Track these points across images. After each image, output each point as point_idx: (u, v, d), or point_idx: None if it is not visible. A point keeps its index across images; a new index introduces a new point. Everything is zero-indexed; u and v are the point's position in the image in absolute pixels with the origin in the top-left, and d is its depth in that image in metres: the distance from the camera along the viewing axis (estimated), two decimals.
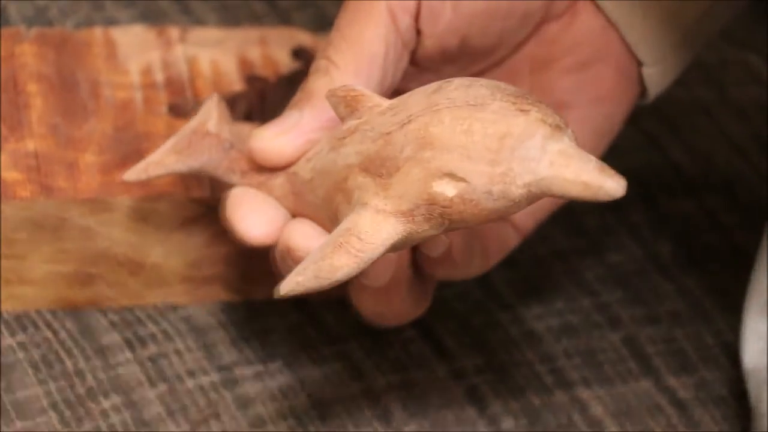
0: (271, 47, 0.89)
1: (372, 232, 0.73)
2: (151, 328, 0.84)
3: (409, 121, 0.73)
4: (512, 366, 0.86)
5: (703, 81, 0.96)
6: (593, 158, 0.71)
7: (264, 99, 0.87)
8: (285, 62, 0.89)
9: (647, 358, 0.87)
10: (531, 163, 0.71)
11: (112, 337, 0.84)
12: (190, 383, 0.83)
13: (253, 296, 0.86)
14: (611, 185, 0.71)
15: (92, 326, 0.84)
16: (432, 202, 0.72)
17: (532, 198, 0.72)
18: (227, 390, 0.82)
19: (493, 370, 0.86)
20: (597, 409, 0.85)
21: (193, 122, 0.81)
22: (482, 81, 0.74)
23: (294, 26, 0.93)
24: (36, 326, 0.84)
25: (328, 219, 0.77)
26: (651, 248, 0.90)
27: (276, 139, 0.78)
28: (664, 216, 0.91)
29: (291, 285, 0.73)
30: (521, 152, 0.71)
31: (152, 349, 0.84)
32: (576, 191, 0.70)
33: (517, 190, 0.71)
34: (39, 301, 0.84)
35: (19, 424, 0.80)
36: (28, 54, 0.86)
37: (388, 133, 0.74)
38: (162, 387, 0.82)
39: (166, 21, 0.93)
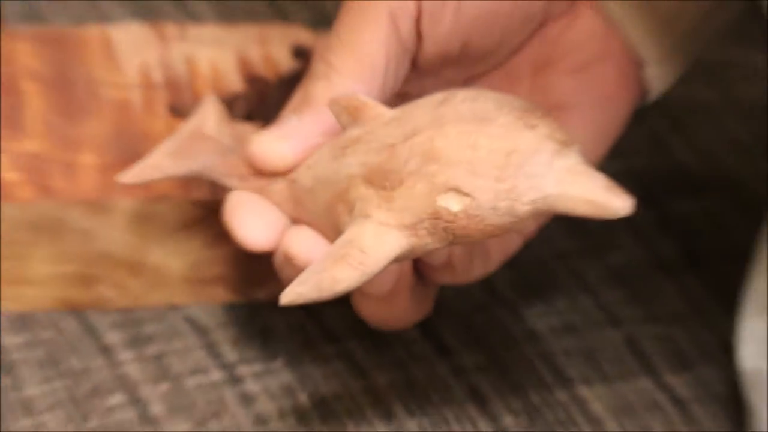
0: (271, 46, 0.89)
1: (374, 246, 0.73)
2: (154, 327, 0.84)
3: (414, 134, 0.73)
4: (512, 364, 0.86)
5: (706, 80, 0.96)
6: (601, 176, 0.71)
7: (264, 99, 0.87)
8: (285, 61, 0.88)
9: (647, 357, 0.87)
10: (537, 179, 0.71)
11: (115, 337, 0.84)
12: (192, 381, 0.82)
13: (254, 296, 0.86)
14: (618, 204, 0.71)
15: (95, 326, 0.84)
16: (436, 216, 0.72)
17: (537, 214, 0.72)
18: (230, 388, 0.82)
19: (494, 368, 0.85)
20: (597, 407, 0.84)
21: (190, 124, 0.81)
22: (489, 94, 0.74)
23: (294, 24, 0.93)
24: (40, 325, 0.84)
25: (329, 228, 0.77)
26: (653, 248, 0.91)
27: (275, 144, 0.78)
28: (666, 216, 0.91)
29: (292, 296, 0.72)
30: (528, 168, 0.71)
31: (155, 348, 0.83)
32: (582, 209, 0.70)
33: (522, 207, 0.71)
34: (41, 301, 0.84)
35: (25, 422, 0.80)
36: (24, 53, 0.86)
37: (393, 146, 0.74)
38: (165, 385, 0.82)
39: (163, 18, 0.93)
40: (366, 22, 0.78)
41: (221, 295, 0.85)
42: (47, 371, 0.82)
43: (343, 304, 0.83)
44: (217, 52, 0.88)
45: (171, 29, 0.89)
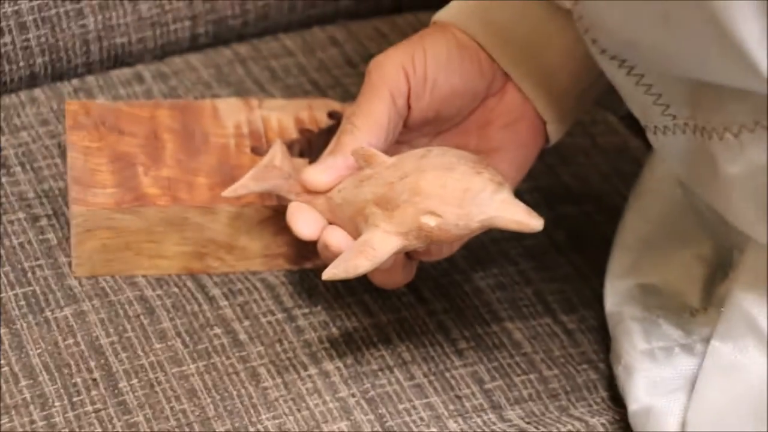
0: (315, 111, 0.87)
1: (381, 245, 0.75)
2: (240, 285, 0.84)
3: (406, 176, 0.75)
4: (465, 308, 0.85)
5: (582, 132, 0.94)
6: (523, 205, 0.74)
7: (310, 143, 0.86)
8: (324, 120, 0.87)
9: (549, 304, 0.86)
10: (483, 207, 0.74)
11: (216, 291, 0.83)
12: (264, 319, 0.82)
13: (304, 266, 0.85)
14: (534, 223, 0.73)
15: (204, 284, 0.83)
16: (420, 228, 0.75)
17: (484, 228, 0.74)
18: (288, 323, 0.82)
19: (453, 311, 0.84)
20: (518, 335, 0.84)
21: (265, 159, 0.80)
22: (452, 151, 0.76)
23: (329, 98, 0.92)
24: (170, 284, 0.83)
25: (352, 230, 0.78)
26: (551, 236, 0.89)
27: (319, 174, 0.78)
28: (559, 216, 0.89)
29: (329, 274, 0.75)
30: (477, 200, 0.74)
31: (241, 298, 0.83)
32: (512, 227, 0.74)
33: (474, 224, 0.74)
34: (171, 269, 0.83)
35: (157, 346, 0.80)
36: (164, 116, 0.85)
37: (392, 183, 0.76)
38: (247, 322, 0.82)
39: (250, 95, 0.93)
40: (376, 98, 0.77)
41: (283, 265, 0.84)
42: (174, 313, 0.82)
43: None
44: (281, 115, 0.87)
45: (254, 101, 0.87)
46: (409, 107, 0.79)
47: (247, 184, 0.80)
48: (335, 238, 0.78)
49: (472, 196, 0.74)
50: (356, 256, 0.75)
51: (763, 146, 0.67)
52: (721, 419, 0.73)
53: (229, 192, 0.80)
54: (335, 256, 0.77)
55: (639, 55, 0.70)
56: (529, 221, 0.73)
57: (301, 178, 0.79)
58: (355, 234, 0.77)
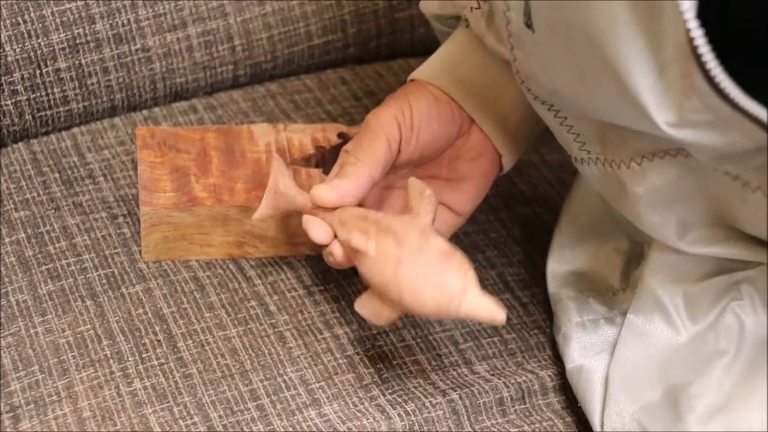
0: (328, 132, 0.85)
1: (369, 314, 0.72)
2: (271, 267, 0.82)
3: (388, 282, 0.70)
4: None
5: (533, 151, 0.92)
6: (490, 301, 0.68)
7: (324, 157, 0.84)
8: (335, 139, 0.85)
9: (508, 283, 0.84)
10: (458, 313, 0.68)
11: (252, 272, 0.82)
12: (289, 294, 0.81)
13: (320, 252, 0.79)
14: (499, 316, 0.68)
15: (243, 266, 0.82)
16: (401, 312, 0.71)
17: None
18: (307, 298, 0.81)
19: None
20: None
21: (270, 184, 0.75)
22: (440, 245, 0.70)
23: (339, 123, 0.91)
24: (216, 267, 0.82)
25: (348, 250, 0.73)
26: (510, 230, 0.87)
27: (326, 192, 0.74)
28: (516, 215, 0.89)
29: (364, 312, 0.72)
30: (451, 310, 0.68)
31: (271, 278, 0.82)
32: (483, 320, 0.69)
33: (454, 314, 0.69)
34: (216, 255, 0.82)
35: (207, 315, 0.79)
36: (211, 137, 0.85)
37: (380, 277, 0.70)
38: (275, 297, 0.81)
39: (278, 121, 0.92)
40: (375, 140, 0.74)
41: (305, 251, 0.83)
42: (219, 289, 0.81)
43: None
44: (302, 136, 0.85)
45: (280, 126, 0.86)
46: (399, 150, 0.76)
47: (264, 212, 0.76)
48: (338, 251, 0.75)
49: (446, 307, 0.68)
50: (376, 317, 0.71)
51: (660, 170, 0.67)
52: (634, 374, 0.73)
53: (255, 217, 0.77)
54: (336, 262, 0.75)
55: (561, 102, 0.69)
56: (495, 315, 0.68)
57: (312, 194, 0.74)
58: (347, 249, 0.73)
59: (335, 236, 0.74)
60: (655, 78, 0.59)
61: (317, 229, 0.75)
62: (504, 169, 0.80)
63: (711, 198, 0.68)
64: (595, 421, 0.73)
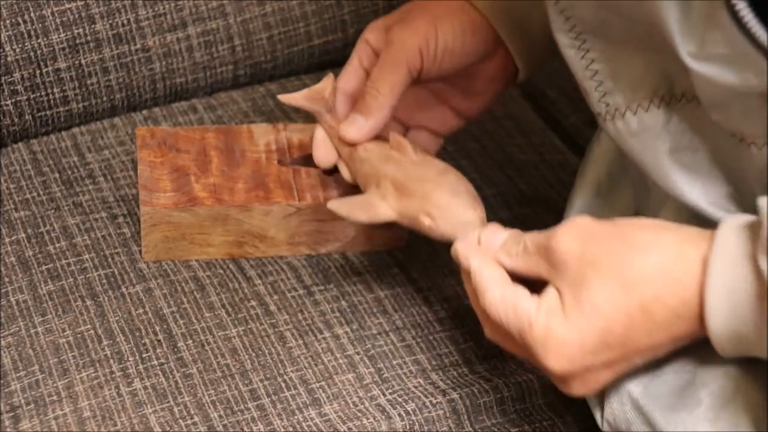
0: None
1: (383, 213, 0.74)
2: (270, 267, 0.82)
3: (425, 181, 0.73)
4: (445, 286, 0.82)
5: (533, 152, 0.92)
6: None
7: None
8: None
9: None
10: (464, 233, 0.70)
11: (252, 272, 0.82)
12: (289, 294, 0.81)
13: (320, 252, 0.83)
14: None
15: (243, 266, 0.82)
16: (416, 219, 0.73)
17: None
18: (307, 298, 0.81)
19: (436, 288, 0.82)
20: None
21: (319, 85, 0.78)
22: (463, 181, 0.73)
23: None
24: (216, 266, 0.82)
25: (361, 182, 0.76)
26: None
27: (348, 128, 0.76)
28: (516, 214, 0.87)
29: (335, 206, 0.74)
30: (464, 227, 0.71)
31: (271, 278, 0.82)
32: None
33: (452, 239, 0.71)
34: (216, 255, 0.82)
35: (207, 315, 0.79)
36: (211, 137, 0.84)
37: (412, 179, 0.73)
38: (275, 297, 0.81)
39: (277, 121, 0.92)
40: (396, 69, 0.74)
41: (304, 251, 0.83)
42: (219, 289, 0.81)
43: (363, 258, 0.83)
44: (301, 135, 0.84)
45: (280, 126, 0.85)
46: (419, 76, 0.76)
47: (297, 99, 0.79)
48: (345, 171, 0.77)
49: (462, 223, 0.71)
50: (361, 209, 0.74)
51: (672, 117, 0.65)
52: None
53: (283, 97, 0.79)
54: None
55: (592, 25, 0.66)
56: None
57: (340, 131, 0.77)
58: (361, 183, 0.76)
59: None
60: (681, 8, 0.59)
61: (324, 150, 0.78)
62: (518, 80, 0.79)
63: (717, 152, 0.65)
64: (594, 407, 0.71)
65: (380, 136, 0.77)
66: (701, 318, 0.60)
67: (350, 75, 0.78)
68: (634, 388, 0.66)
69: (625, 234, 0.62)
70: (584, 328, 0.61)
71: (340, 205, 0.74)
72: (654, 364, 0.65)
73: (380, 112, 0.75)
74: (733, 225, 0.60)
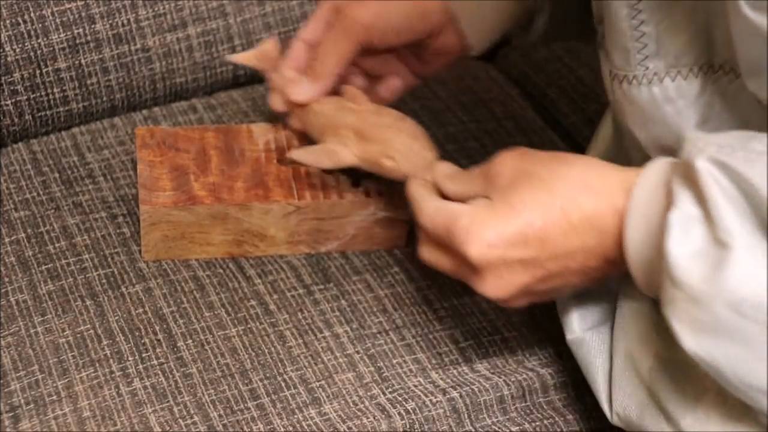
0: None
1: (345, 157, 0.78)
2: (270, 266, 0.82)
3: (386, 126, 0.77)
4: (445, 285, 0.82)
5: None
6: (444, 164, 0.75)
7: None
8: None
9: None
10: (424, 171, 0.75)
11: (252, 271, 0.82)
12: (289, 293, 0.81)
13: (320, 250, 0.83)
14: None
15: (243, 266, 0.82)
16: (378, 163, 0.77)
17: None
18: (307, 297, 0.81)
19: (436, 287, 0.82)
20: (485, 305, 0.81)
21: (265, 47, 0.83)
22: (419, 128, 0.78)
23: None
24: (215, 266, 0.82)
25: (314, 132, 0.80)
26: None
27: (298, 93, 0.80)
28: None
29: (298, 155, 0.79)
30: (424, 165, 0.75)
31: (271, 277, 0.82)
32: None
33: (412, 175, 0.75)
34: (216, 254, 0.82)
35: (207, 314, 0.79)
36: (211, 137, 0.84)
37: (373, 125, 0.77)
38: (275, 296, 0.81)
39: (277, 121, 0.89)
40: (346, 41, 0.78)
41: (304, 250, 0.83)
42: (219, 288, 0.80)
43: (359, 259, 0.83)
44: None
45: (279, 125, 0.85)
46: (368, 50, 0.80)
47: (248, 57, 0.84)
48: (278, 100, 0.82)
49: (421, 163, 0.75)
50: (325, 156, 0.78)
51: (707, 87, 0.65)
52: (638, 347, 0.70)
53: (233, 57, 0.85)
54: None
55: None
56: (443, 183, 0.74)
57: (286, 90, 0.81)
58: (315, 134, 0.80)
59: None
60: None
61: (276, 100, 0.82)
62: (471, 53, 0.82)
63: (744, 127, 0.65)
64: (602, 399, 0.70)
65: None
66: (616, 240, 0.64)
67: (313, 27, 0.82)
68: (645, 375, 0.67)
69: (559, 155, 0.67)
70: (507, 217, 0.65)
71: (304, 154, 0.78)
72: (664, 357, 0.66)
73: (326, 78, 0.79)
74: (663, 160, 0.64)
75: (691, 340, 0.58)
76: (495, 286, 0.66)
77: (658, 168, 0.64)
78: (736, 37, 0.61)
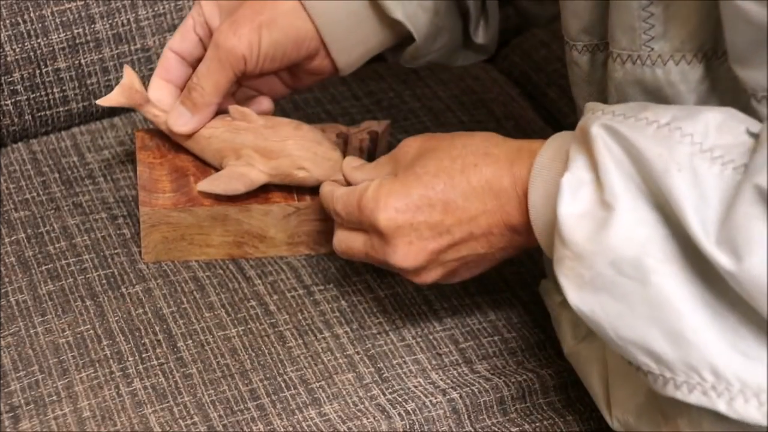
0: (327, 132, 0.84)
1: (256, 178, 0.78)
2: (270, 267, 0.82)
3: (287, 139, 0.78)
4: (444, 286, 0.79)
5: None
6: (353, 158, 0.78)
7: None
8: (332, 139, 0.84)
9: (508, 281, 0.83)
10: (337, 174, 0.78)
11: (252, 272, 0.82)
12: (289, 294, 0.81)
13: (320, 252, 0.83)
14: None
15: (243, 267, 0.82)
16: (290, 176, 0.79)
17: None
18: (307, 297, 0.81)
19: (436, 287, 0.81)
20: (485, 306, 0.81)
21: (126, 81, 0.80)
22: (316, 130, 0.80)
23: (338, 123, 0.89)
24: (215, 267, 0.82)
25: (210, 156, 0.80)
26: None
27: (179, 124, 0.80)
28: None
29: (206, 187, 0.78)
30: (335, 168, 0.78)
31: (271, 278, 0.81)
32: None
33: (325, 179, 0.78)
34: (216, 255, 0.82)
35: (207, 315, 0.79)
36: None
37: (275, 141, 0.78)
38: (275, 296, 0.80)
39: None
40: (221, 70, 0.78)
41: (304, 251, 0.83)
42: (219, 289, 0.80)
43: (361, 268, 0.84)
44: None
45: None
46: (244, 75, 0.79)
47: (115, 98, 0.80)
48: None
49: (330, 165, 0.78)
50: (236, 180, 0.78)
51: (706, 74, 0.66)
52: None
53: (101, 101, 0.80)
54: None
55: None
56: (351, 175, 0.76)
57: (168, 122, 0.80)
58: (212, 159, 0.80)
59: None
60: None
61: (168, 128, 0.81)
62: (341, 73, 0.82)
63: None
64: (602, 406, 0.70)
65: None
66: (517, 207, 0.68)
67: (183, 37, 0.81)
68: (637, 387, 0.67)
69: (463, 132, 0.72)
70: (411, 182, 0.69)
71: (212, 184, 0.78)
72: None
73: (206, 108, 0.79)
74: (567, 131, 0.67)
75: (575, 296, 0.61)
76: (406, 254, 0.70)
77: (561, 136, 0.67)
78: (725, 22, 0.61)
